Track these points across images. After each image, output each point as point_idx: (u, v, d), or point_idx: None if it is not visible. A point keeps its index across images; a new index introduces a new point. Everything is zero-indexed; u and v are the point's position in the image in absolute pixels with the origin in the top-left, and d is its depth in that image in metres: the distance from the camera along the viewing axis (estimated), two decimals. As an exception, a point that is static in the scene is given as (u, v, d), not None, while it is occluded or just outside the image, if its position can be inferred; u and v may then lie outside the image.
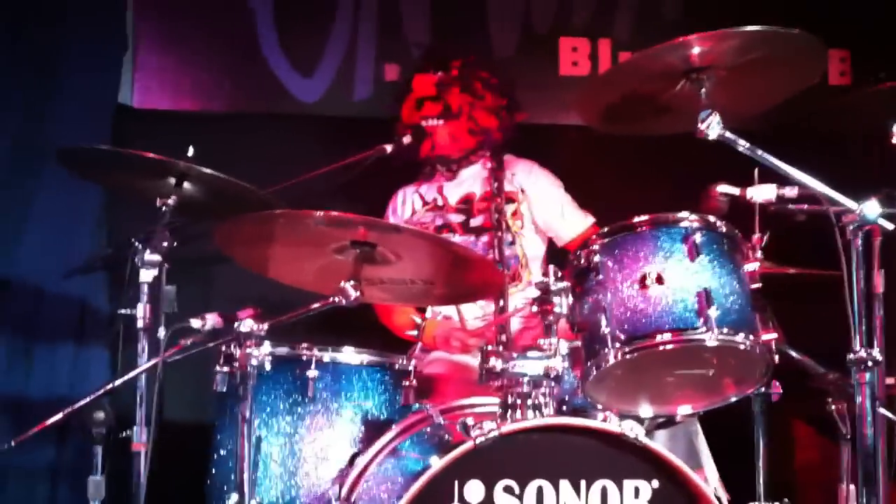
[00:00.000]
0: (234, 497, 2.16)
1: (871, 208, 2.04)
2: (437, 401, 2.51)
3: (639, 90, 2.31)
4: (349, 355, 2.45)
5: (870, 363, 1.98)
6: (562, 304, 2.24)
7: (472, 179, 3.15)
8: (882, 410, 2.08)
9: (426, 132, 3.06)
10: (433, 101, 3.13)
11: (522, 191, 3.10)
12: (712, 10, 3.60)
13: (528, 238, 3.09)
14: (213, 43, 3.64)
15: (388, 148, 2.98)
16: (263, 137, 3.61)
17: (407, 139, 3.01)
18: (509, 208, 3.07)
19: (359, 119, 3.64)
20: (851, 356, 2.00)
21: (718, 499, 2.59)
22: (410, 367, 2.46)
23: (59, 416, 2.30)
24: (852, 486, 2.14)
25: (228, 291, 3.30)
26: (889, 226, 2.06)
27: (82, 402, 2.29)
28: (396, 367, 2.47)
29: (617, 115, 2.41)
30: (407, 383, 2.45)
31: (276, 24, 3.65)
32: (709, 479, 2.59)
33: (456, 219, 3.10)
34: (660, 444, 2.43)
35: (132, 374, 2.36)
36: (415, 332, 2.92)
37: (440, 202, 3.14)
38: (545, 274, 2.28)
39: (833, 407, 2.25)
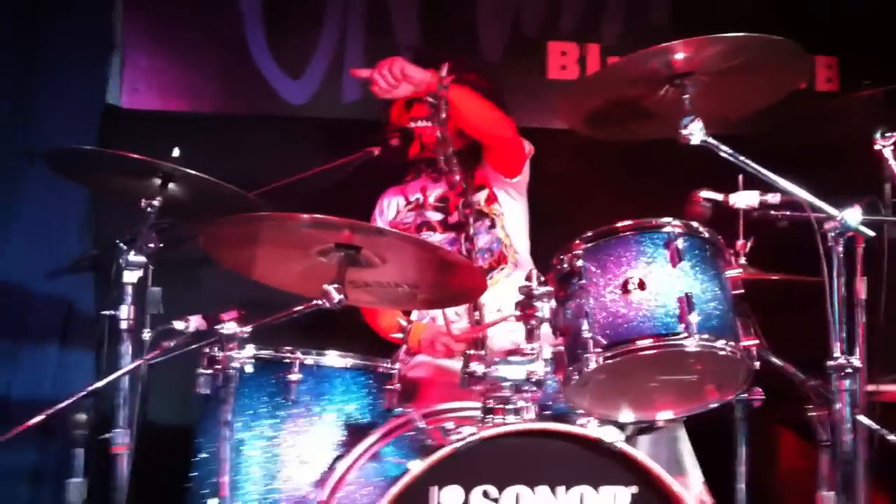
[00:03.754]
0: (215, 501, 2.14)
1: (853, 215, 2.05)
2: (421, 404, 2.51)
3: (623, 95, 2.32)
4: (332, 358, 2.44)
5: (849, 370, 1.99)
6: (544, 308, 2.24)
7: (451, 177, 3.14)
8: (861, 417, 2.08)
9: (414, 134, 3.06)
10: (423, 102, 3.13)
11: (486, 173, 3.10)
12: (700, 15, 3.61)
13: (509, 216, 3.08)
14: (201, 44, 3.63)
15: (377, 150, 2.97)
16: (252, 139, 3.60)
17: (395, 141, 3.00)
18: (482, 195, 3.06)
19: (347, 121, 3.64)
20: (831, 363, 2.00)
21: (702, 503, 2.61)
22: (394, 371, 2.46)
23: (41, 417, 2.29)
24: (831, 493, 2.14)
25: (216, 293, 3.29)
26: (870, 233, 2.06)
27: (63, 404, 2.27)
28: (380, 370, 2.47)
29: (602, 120, 2.42)
30: (390, 387, 2.44)
31: (264, 25, 3.66)
32: (692, 485, 2.59)
33: (435, 216, 3.10)
34: (643, 449, 2.43)
35: (114, 375, 2.35)
36: (400, 335, 2.91)
37: (421, 201, 3.14)
38: (528, 277, 2.28)
39: (813, 413, 2.25)
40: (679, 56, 2.18)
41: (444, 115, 2.72)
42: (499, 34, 3.78)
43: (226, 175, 2.59)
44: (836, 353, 2.01)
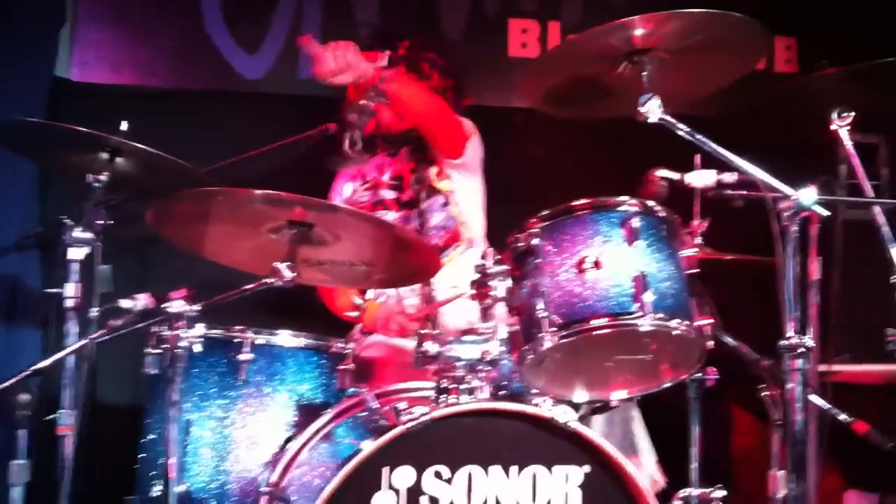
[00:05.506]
0: (160, 485, 2.10)
1: (808, 195, 2.04)
2: (375, 385, 2.48)
3: (582, 72, 2.30)
4: (285, 338, 2.40)
5: (801, 350, 1.98)
6: (500, 287, 2.22)
7: (406, 155, 3.11)
8: (813, 397, 2.09)
9: (372, 111, 3.01)
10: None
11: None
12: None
13: (462, 194, 3.04)
14: (155, 17, 3.56)
15: (333, 127, 2.92)
16: (207, 114, 3.54)
17: (352, 118, 2.95)
18: (433, 171, 3.03)
19: (303, 97, 3.57)
20: (783, 342, 2.00)
21: (655, 482, 2.62)
22: (347, 351, 2.43)
23: (-19, 397, 2.23)
24: (782, 472, 2.14)
25: (170, 271, 3.24)
26: (825, 213, 2.06)
27: (6, 384, 2.21)
28: (333, 350, 2.43)
29: (561, 98, 2.40)
30: (344, 367, 2.41)
31: (220, -2, 3.59)
32: (645, 465, 2.60)
33: (389, 195, 3.06)
34: (596, 429, 2.44)
35: (59, 355, 2.29)
36: (355, 314, 2.87)
37: (376, 180, 3.11)
38: (484, 256, 2.25)
39: (766, 393, 2.26)
40: (638, 32, 2.16)
41: (371, 106, 2.65)
42: (459, 11, 3.73)
43: (180, 151, 2.54)
44: (789, 333, 2.00)
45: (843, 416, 2.19)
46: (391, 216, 3.00)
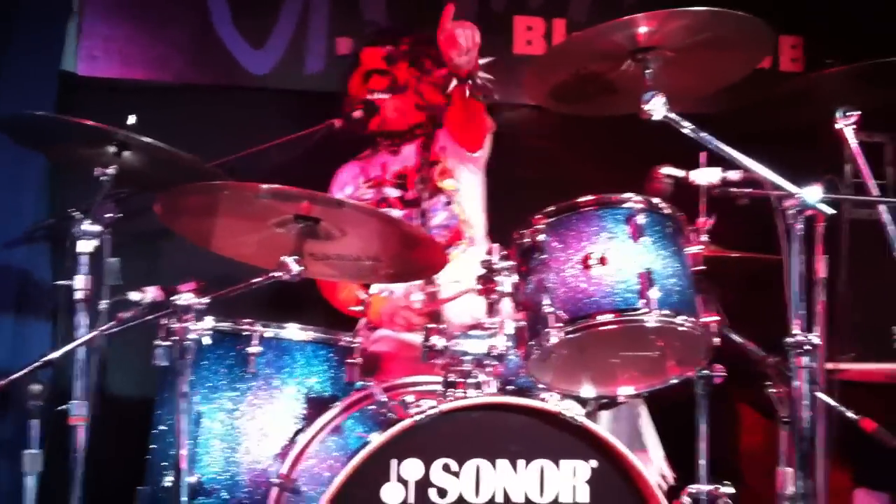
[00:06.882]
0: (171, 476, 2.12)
1: (812, 193, 2.05)
2: (382, 378, 2.50)
3: (586, 70, 2.31)
4: (293, 331, 2.42)
5: (807, 347, 2.00)
6: (506, 282, 2.23)
7: (410, 154, 3.12)
8: (820, 395, 2.10)
9: (376, 106, 3.03)
10: (381, 74, 3.11)
11: (443, 148, 3.08)
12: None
13: (465, 192, 3.05)
14: (161, 11, 3.55)
15: (338, 122, 2.93)
16: (213, 109, 3.54)
17: (357, 113, 2.97)
18: (435, 169, 3.04)
19: (310, 92, 3.58)
20: (789, 340, 2.01)
21: (664, 477, 2.64)
22: (355, 345, 2.44)
23: (-8, 387, 2.24)
24: (790, 469, 2.15)
25: (178, 265, 3.25)
26: (829, 211, 2.07)
27: (17, 375, 2.23)
28: (341, 344, 2.45)
29: (566, 95, 2.41)
30: (352, 361, 2.43)
31: (227, -7, 3.59)
32: (653, 460, 2.61)
33: (393, 193, 3.07)
34: (603, 425, 2.45)
35: (69, 346, 2.31)
36: (359, 308, 2.89)
37: (380, 177, 3.12)
38: (490, 251, 2.27)
39: (773, 390, 2.27)
40: (642, 30, 2.17)
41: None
42: (466, 7, 3.73)
43: (186, 145, 2.55)
44: (795, 331, 2.01)
45: (850, 414, 2.20)
46: (395, 214, 3.02)
